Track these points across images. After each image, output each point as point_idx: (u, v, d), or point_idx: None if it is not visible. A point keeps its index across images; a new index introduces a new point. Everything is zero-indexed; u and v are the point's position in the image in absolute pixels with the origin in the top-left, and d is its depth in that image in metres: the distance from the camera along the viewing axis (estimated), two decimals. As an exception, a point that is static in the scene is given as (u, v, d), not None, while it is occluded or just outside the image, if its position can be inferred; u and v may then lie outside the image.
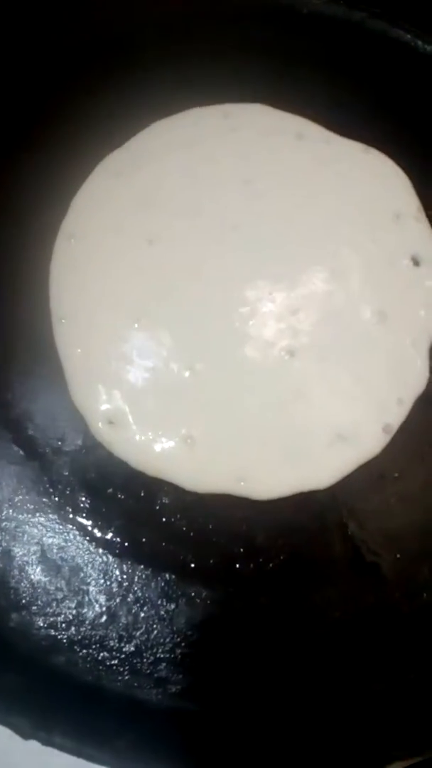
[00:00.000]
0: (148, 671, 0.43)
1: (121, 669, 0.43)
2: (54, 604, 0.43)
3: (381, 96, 0.55)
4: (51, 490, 0.46)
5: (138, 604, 0.44)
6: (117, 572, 0.44)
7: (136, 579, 0.44)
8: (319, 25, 0.56)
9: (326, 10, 0.57)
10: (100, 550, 0.45)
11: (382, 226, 0.51)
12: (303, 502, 0.46)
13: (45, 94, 0.53)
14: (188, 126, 0.54)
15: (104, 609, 0.44)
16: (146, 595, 0.44)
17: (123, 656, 0.43)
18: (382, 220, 0.52)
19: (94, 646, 0.43)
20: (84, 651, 0.43)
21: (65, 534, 0.45)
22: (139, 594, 0.44)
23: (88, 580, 0.44)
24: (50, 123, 0.52)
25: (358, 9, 0.57)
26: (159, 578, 0.44)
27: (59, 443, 0.47)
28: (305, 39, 0.56)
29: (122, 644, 0.43)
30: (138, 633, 0.43)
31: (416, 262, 0.51)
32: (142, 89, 0.54)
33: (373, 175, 0.53)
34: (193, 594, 0.44)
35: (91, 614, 0.44)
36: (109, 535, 0.45)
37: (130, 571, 0.44)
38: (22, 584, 0.44)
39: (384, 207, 0.52)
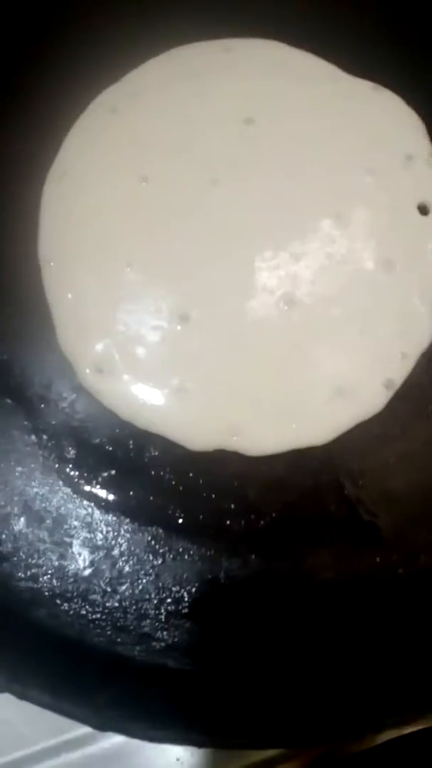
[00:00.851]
0: (132, 627, 0.42)
1: (104, 624, 0.41)
2: (36, 556, 0.42)
3: (394, 34, 0.51)
4: (36, 438, 0.44)
5: (123, 558, 0.42)
6: (102, 525, 0.43)
7: (121, 532, 0.43)
8: None
9: None
10: (85, 502, 0.43)
11: (390, 170, 0.48)
12: (298, 458, 0.44)
13: (39, 25, 0.50)
14: (188, 61, 0.50)
15: (88, 562, 0.42)
16: (132, 549, 0.43)
17: (106, 611, 0.42)
18: (391, 163, 0.49)
19: (76, 600, 0.42)
20: (66, 604, 0.42)
21: (50, 484, 0.43)
22: (125, 548, 0.43)
23: (72, 532, 0.43)
24: (44, 57, 0.49)
25: None
26: (145, 532, 0.43)
27: (46, 390, 0.45)
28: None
29: (106, 599, 0.42)
30: (122, 588, 0.42)
31: (424, 211, 0.48)
32: (141, 22, 0.50)
33: (383, 115, 0.50)
34: (180, 549, 0.43)
35: (74, 567, 0.42)
36: (96, 487, 0.43)
37: (115, 524, 0.43)
38: (3, 535, 0.42)
39: (394, 150, 0.49)
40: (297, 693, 0.41)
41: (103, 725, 0.37)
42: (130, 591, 0.42)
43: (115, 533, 0.43)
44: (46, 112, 0.49)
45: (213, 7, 0.51)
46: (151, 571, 0.42)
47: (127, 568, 0.42)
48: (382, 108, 0.50)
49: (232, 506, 0.43)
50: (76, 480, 0.43)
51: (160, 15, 0.51)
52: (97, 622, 0.42)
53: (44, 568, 0.42)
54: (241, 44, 0.51)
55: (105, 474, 0.43)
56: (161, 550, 0.43)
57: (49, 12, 0.51)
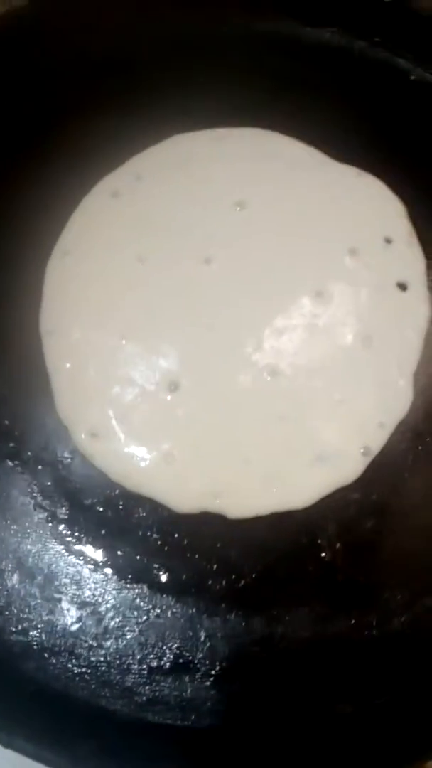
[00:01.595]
0: (115, 681, 0.44)
1: (89, 677, 0.44)
2: (27, 611, 0.45)
3: (377, 122, 0.56)
4: (32, 498, 0.47)
5: (109, 615, 0.45)
6: (90, 582, 0.45)
7: (108, 589, 0.45)
8: (317, 51, 0.57)
9: (325, 38, 0.58)
10: (76, 560, 0.46)
11: (372, 250, 0.52)
12: (278, 521, 0.46)
13: (46, 114, 0.55)
14: (185, 148, 0.55)
15: (75, 618, 0.44)
16: (117, 606, 0.45)
17: (92, 665, 0.44)
18: (373, 244, 0.52)
19: (63, 654, 0.44)
20: (54, 658, 0.44)
21: (42, 542, 0.46)
22: (111, 604, 0.45)
23: (62, 589, 0.45)
24: (51, 143, 0.54)
25: (359, 38, 0.58)
26: (131, 590, 0.45)
27: (43, 453, 0.48)
28: (303, 65, 0.57)
29: (91, 653, 0.44)
30: (107, 643, 0.44)
31: (403, 287, 0.51)
32: (140, 112, 0.55)
33: (366, 199, 0.53)
34: (164, 607, 0.45)
35: (62, 622, 0.44)
36: (86, 546, 0.46)
37: (103, 581, 0.45)
38: (-3, 589, 0.45)
39: (375, 231, 0.52)
40: (271, 749, 0.42)
41: (83, 776, 0.39)
42: (115, 646, 0.44)
43: (103, 590, 0.45)
44: (52, 194, 0.53)
45: (208, 98, 0.56)
46: (135, 627, 0.44)
47: (112, 624, 0.44)
48: (365, 192, 0.54)
49: (214, 566, 0.45)
50: (68, 539, 0.46)
51: (159, 106, 0.55)
52: (82, 676, 0.44)
53: (34, 622, 0.44)
54: (234, 133, 0.55)
55: (95, 533, 0.46)
56: (145, 608, 0.45)
57: (57, 103, 0.56)
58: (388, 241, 0.52)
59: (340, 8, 0.58)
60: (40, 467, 0.47)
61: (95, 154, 0.54)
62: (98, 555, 0.46)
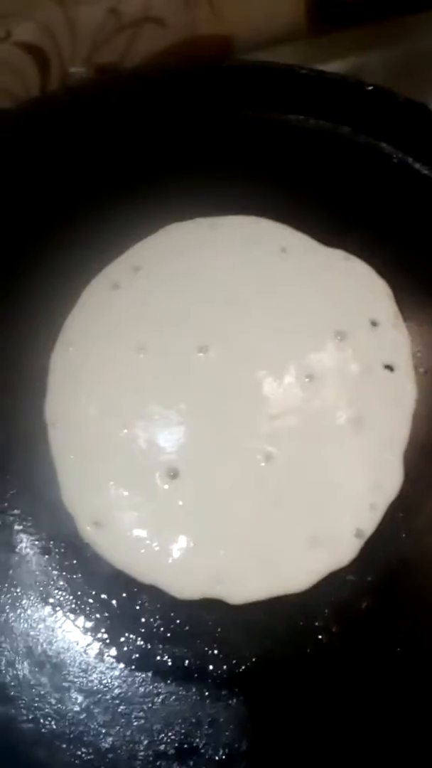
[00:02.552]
0: (124, 766, 0.45)
1: (98, 764, 0.45)
2: (37, 699, 0.46)
3: (362, 205, 0.58)
4: (40, 587, 0.49)
5: (116, 702, 0.46)
6: (98, 670, 0.47)
7: (115, 676, 0.47)
8: (303, 137, 0.60)
9: (311, 125, 0.61)
10: (82, 649, 0.48)
11: (359, 333, 0.54)
12: (276, 605, 0.48)
13: (46, 209, 0.58)
14: (180, 237, 0.58)
15: (84, 706, 0.46)
16: (124, 693, 0.47)
17: (100, 751, 0.46)
18: (360, 327, 0.54)
19: (74, 742, 0.46)
20: (64, 745, 0.46)
21: (51, 631, 0.48)
22: (117, 692, 0.47)
23: (70, 678, 0.47)
24: (51, 237, 0.57)
25: (344, 124, 0.61)
26: (136, 677, 0.47)
27: (51, 542, 0.50)
28: (290, 151, 0.60)
29: (99, 740, 0.46)
30: (115, 730, 0.46)
31: (390, 368, 0.53)
32: (138, 203, 0.58)
33: (353, 282, 0.56)
34: (168, 693, 0.47)
35: (71, 710, 0.46)
36: (91, 634, 0.48)
37: (109, 669, 0.47)
38: (7, 678, 0.47)
39: (362, 314, 0.55)
40: None
41: None
42: (122, 733, 0.46)
43: (109, 678, 0.47)
44: (54, 287, 0.56)
45: (202, 187, 0.59)
46: (141, 714, 0.46)
47: (119, 710, 0.46)
48: (352, 275, 0.56)
49: (215, 651, 0.47)
50: (74, 627, 0.48)
51: (156, 196, 0.58)
52: (91, 762, 0.45)
53: (45, 710, 0.46)
54: (227, 221, 0.58)
55: (101, 621, 0.48)
56: (151, 694, 0.47)
57: (56, 198, 0.59)
58: (374, 323, 0.54)
59: (323, 96, 0.61)
60: (46, 557, 0.50)
61: (95, 245, 0.57)
62: (104, 643, 0.48)
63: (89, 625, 0.48)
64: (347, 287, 0.56)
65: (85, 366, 0.53)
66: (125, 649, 0.47)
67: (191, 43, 0.67)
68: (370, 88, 0.60)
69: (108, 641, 0.48)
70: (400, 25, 0.75)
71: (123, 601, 0.48)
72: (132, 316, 0.55)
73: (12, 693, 0.47)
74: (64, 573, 0.49)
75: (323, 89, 0.61)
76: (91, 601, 0.49)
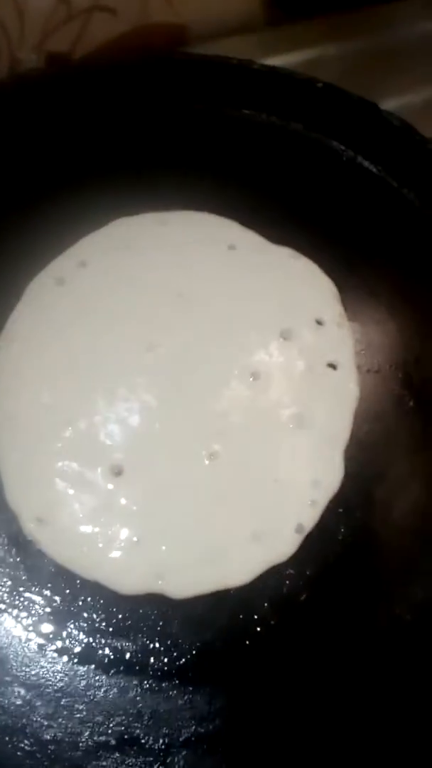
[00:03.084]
0: (66, 757, 0.46)
1: (40, 755, 0.46)
2: (-21, 694, 0.47)
3: (311, 203, 0.59)
4: (-17, 583, 0.49)
5: (58, 695, 0.47)
6: (39, 664, 0.48)
7: (57, 670, 0.48)
8: (254, 133, 0.60)
9: (263, 121, 0.61)
10: (24, 642, 0.48)
11: (305, 332, 0.55)
12: (217, 599, 0.49)
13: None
14: (128, 232, 0.58)
15: (26, 699, 0.47)
16: (66, 685, 0.47)
17: (43, 743, 0.46)
18: (306, 326, 0.55)
19: (16, 734, 0.47)
20: (6, 737, 0.46)
21: (-7, 626, 0.49)
22: (59, 685, 0.47)
23: (12, 672, 0.47)
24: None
25: (295, 120, 0.61)
26: (78, 670, 0.48)
27: (-8, 539, 0.51)
28: (240, 147, 0.60)
29: (42, 731, 0.47)
30: (57, 722, 0.47)
31: (334, 367, 0.54)
32: (85, 197, 0.58)
33: (300, 281, 0.57)
34: (110, 686, 0.48)
35: (13, 703, 0.47)
36: (34, 628, 0.48)
37: (50, 663, 0.48)
38: None
39: (308, 313, 0.56)
40: None
41: None
42: (64, 725, 0.47)
43: (51, 672, 0.48)
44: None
45: (151, 182, 0.59)
46: (82, 707, 0.47)
47: (61, 704, 0.47)
48: (299, 274, 0.57)
49: (157, 645, 0.48)
50: (16, 622, 0.49)
51: (103, 190, 0.58)
52: (33, 754, 0.46)
53: (-14, 705, 0.47)
54: (175, 217, 0.58)
55: (43, 617, 0.49)
56: (92, 687, 0.47)
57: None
58: (319, 323, 0.55)
59: (275, 92, 0.61)
60: (-11, 553, 0.50)
61: (40, 240, 0.57)
62: (45, 638, 0.48)
63: (32, 620, 0.49)
64: (294, 286, 0.56)
65: (29, 363, 0.53)
66: (67, 643, 0.48)
67: (144, 32, 0.66)
68: (320, 85, 0.61)
69: (50, 636, 0.48)
70: (356, 18, 0.75)
71: (66, 597, 0.49)
72: (77, 313, 0.55)
73: None
74: (7, 570, 0.50)
75: (276, 85, 0.61)
76: (33, 597, 0.49)
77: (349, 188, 0.60)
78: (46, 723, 0.47)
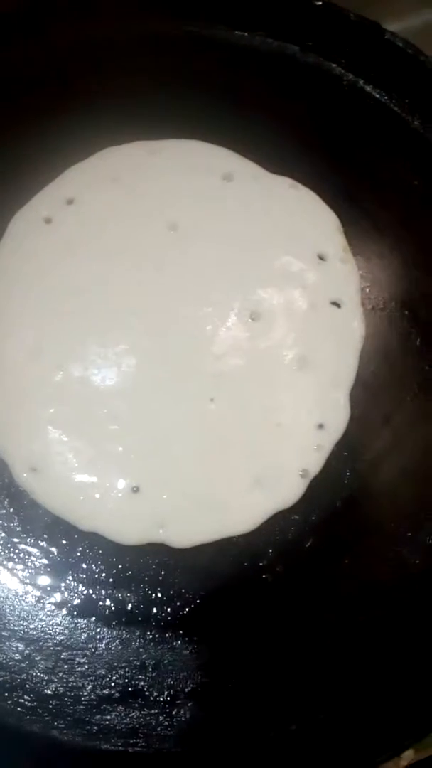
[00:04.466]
0: (68, 712, 0.45)
1: (41, 711, 0.45)
2: (-24, 649, 0.45)
3: (311, 130, 0.55)
4: (-25, 536, 0.47)
5: (58, 648, 0.46)
6: (38, 617, 0.46)
7: (56, 623, 0.46)
8: (249, 57, 0.56)
9: (257, 43, 0.56)
10: (21, 595, 0.46)
11: (307, 267, 0.52)
12: (221, 547, 0.47)
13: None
14: (117, 162, 0.54)
15: (25, 654, 0.45)
16: (66, 639, 0.46)
17: (43, 698, 0.45)
18: (308, 261, 0.52)
19: (16, 690, 0.45)
20: (6, 693, 0.45)
21: (-12, 580, 0.46)
22: (59, 638, 0.46)
23: (10, 626, 0.46)
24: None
25: (291, 42, 0.57)
26: (78, 623, 0.46)
27: (-16, 489, 0.48)
28: (234, 72, 0.56)
29: (42, 687, 0.45)
30: (58, 676, 0.45)
31: (338, 304, 0.52)
32: (72, 124, 0.53)
33: (301, 212, 0.53)
34: (112, 638, 0.46)
35: (12, 658, 0.45)
36: (31, 581, 0.47)
37: (49, 616, 0.46)
38: None
39: (310, 247, 0.52)
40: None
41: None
42: (65, 679, 0.45)
43: (50, 624, 0.46)
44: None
45: (141, 109, 0.54)
46: (84, 659, 0.45)
47: (62, 657, 0.45)
48: (299, 205, 0.53)
49: (159, 595, 0.47)
50: (12, 574, 0.46)
51: (91, 117, 0.54)
52: (34, 710, 0.45)
53: (-16, 659, 0.45)
54: (166, 145, 0.54)
55: (40, 569, 0.47)
56: (93, 639, 0.46)
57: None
58: (321, 258, 0.52)
59: (269, 12, 0.56)
60: (-19, 505, 0.48)
61: (22, 171, 0.52)
62: (43, 590, 0.46)
63: (28, 573, 0.47)
64: (294, 218, 0.53)
65: (16, 305, 0.50)
66: (66, 595, 0.46)
67: None
68: (319, 3, 0.56)
69: (48, 589, 0.47)
70: None
71: (63, 548, 0.47)
72: (65, 252, 0.51)
73: None
74: (0, 521, 0.47)
75: (270, 3, 0.57)
76: (29, 548, 0.47)
77: (350, 114, 0.56)
78: (46, 678, 0.45)
